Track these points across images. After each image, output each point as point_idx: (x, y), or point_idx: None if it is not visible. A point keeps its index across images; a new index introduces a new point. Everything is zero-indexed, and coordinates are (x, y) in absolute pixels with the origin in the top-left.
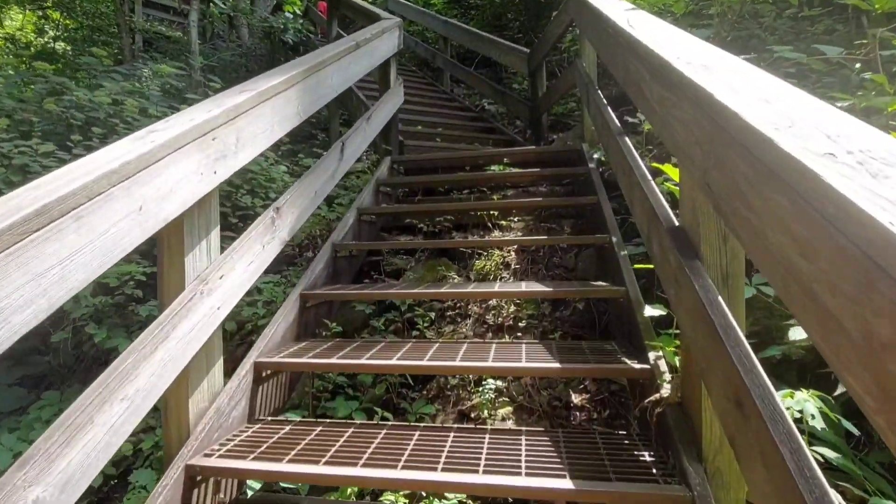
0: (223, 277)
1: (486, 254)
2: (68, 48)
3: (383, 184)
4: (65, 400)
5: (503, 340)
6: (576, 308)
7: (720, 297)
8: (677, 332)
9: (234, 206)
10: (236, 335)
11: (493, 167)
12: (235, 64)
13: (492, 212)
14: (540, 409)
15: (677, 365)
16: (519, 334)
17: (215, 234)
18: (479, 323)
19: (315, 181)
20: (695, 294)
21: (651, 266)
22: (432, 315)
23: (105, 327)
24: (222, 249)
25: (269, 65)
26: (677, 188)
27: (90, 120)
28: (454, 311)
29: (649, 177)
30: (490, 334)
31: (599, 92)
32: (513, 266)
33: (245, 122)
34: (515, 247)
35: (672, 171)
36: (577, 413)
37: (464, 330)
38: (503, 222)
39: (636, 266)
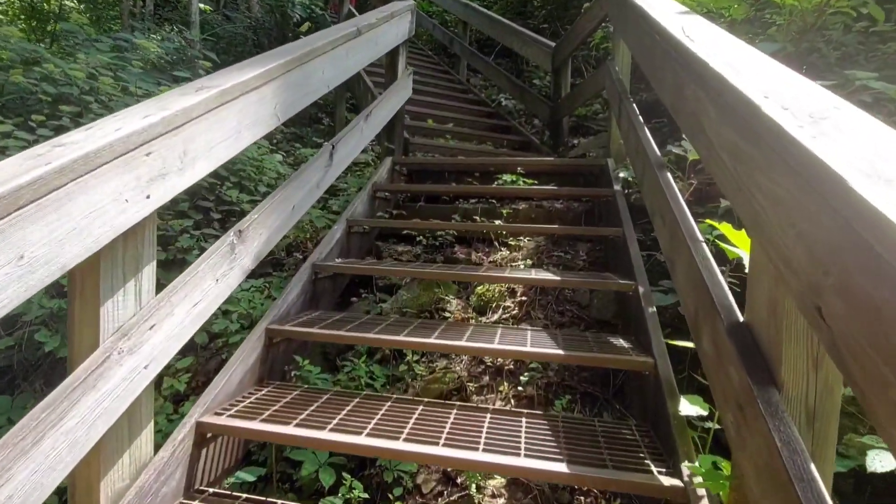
0: (154, 328)
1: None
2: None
3: (381, 189)
4: (15, 408)
5: (500, 409)
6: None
7: (805, 448)
8: (713, 423)
9: (218, 200)
10: (209, 345)
11: (505, 176)
12: (242, 37)
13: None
14: None
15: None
16: (520, 389)
17: (149, 271)
18: (474, 362)
19: (293, 194)
20: (769, 441)
21: (689, 345)
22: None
23: (60, 334)
24: (162, 287)
25: (279, 41)
26: (728, 246)
27: (62, 96)
28: None
29: (701, 238)
30: (486, 378)
31: (634, 106)
32: (519, 295)
33: (198, 129)
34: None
35: (736, 237)
36: None
37: (457, 369)
38: (512, 241)
39: (671, 342)
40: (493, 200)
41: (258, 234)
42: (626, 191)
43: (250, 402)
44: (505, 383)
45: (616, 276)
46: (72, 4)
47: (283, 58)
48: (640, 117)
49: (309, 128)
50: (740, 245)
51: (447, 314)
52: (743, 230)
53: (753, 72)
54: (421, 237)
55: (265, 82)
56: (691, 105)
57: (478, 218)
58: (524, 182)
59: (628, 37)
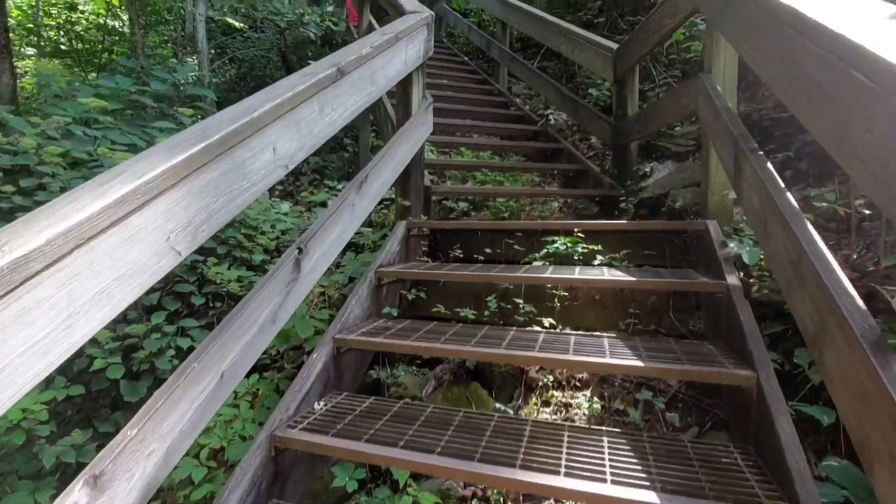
0: None
1: (536, 382)
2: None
3: (388, 274)
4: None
5: None
6: None
7: None
8: None
9: (202, 280)
10: None
11: (558, 241)
12: (265, 59)
13: (546, 320)
14: None
15: None
16: None
17: None
18: None
19: (232, 344)
20: None
21: None
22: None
23: None
24: None
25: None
26: None
27: (16, 168)
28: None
29: None
30: None
31: (760, 155)
32: (580, 417)
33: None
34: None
35: None
36: None
37: None
38: (565, 331)
39: None
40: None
41: (164, 445)
42: (742, 271)
43: None
44: None
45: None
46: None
47: (184, 150)
48: (775, 174)
49: (334, 154)
50: None
51: None
52: None
53: None
54: (447, 310)
55: (143, 203)
56: None
57: (520, 302)
58: (582, 247)
59: (742, 38)
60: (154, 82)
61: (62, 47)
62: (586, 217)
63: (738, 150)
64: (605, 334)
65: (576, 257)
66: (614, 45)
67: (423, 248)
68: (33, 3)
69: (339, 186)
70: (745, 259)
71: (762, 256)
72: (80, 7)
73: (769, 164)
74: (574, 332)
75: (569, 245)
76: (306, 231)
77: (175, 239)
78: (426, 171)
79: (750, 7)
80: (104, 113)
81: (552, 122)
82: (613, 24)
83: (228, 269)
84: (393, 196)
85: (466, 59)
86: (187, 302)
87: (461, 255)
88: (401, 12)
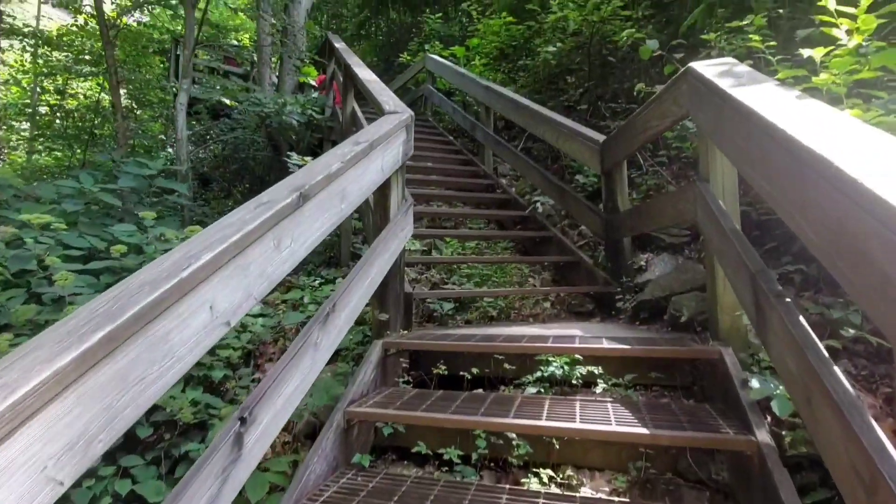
0: None
1: None
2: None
3: (358, 416)
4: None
5: None
6: None
7: None
8: None
9: None
10: None
11: (552, 363)
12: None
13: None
14: None
15: None
16: None
17: None
18: None
19: None
20: None
21: None
22: None
23: None
24: None
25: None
26: None
27: None
28: None
29: None
30: None
31: (787, 299)
32: None
33: None
34: None
35: None
36: None
37: None
38: (567, 475)
39: None
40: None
41: None
42: (774, 422)
43: None
44: None
45: None
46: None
47: (79, 342)
48: (812, 335)
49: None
50: None
51: None
52: None
53: None
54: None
55: (6, 435)
56: None
57: (513, 438)
58: (580, 369)
59: (734, 150)
60: (123, 177)
61: (56, 124)
62: (581, 315)
63: (757, 290)
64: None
65: (574, 380)
66: (600, 137)
67: (404, 364)
68: (32, 83)
69: (315, 281)
70: (776, 410)
71: (808, 438)
72: (75, 85)
73: (802, 319)
74: (581, 496)
75: (566, 367)
76: (252, 392)
77: (55, 467)
78: (406, 275)
79: (742, 127)
80: (60, 216)
81: (539, 209)
82: (595, 111)
83: (183, 391)
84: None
85: (451, 138)
86: (129, 433)
87: (446, 372)
88: (381, 110)
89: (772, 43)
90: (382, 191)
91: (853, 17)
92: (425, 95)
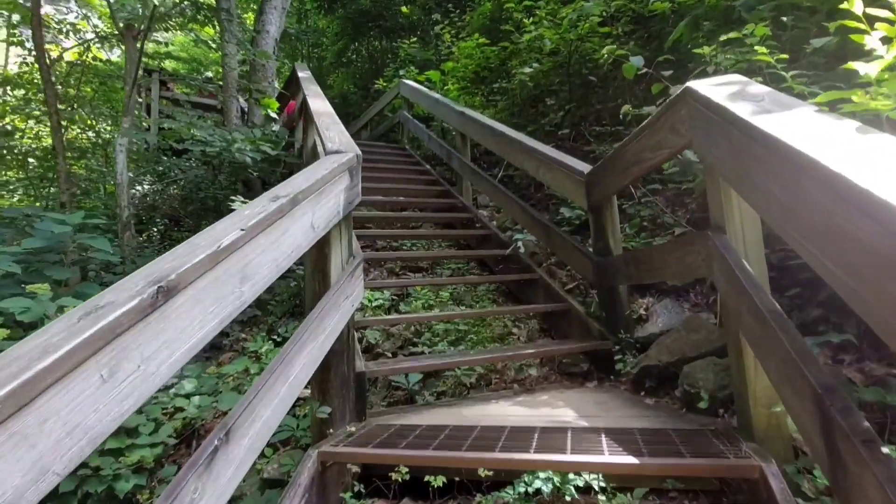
0: None
1: None
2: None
3: None
4: None
5: None
6: None
7: None
8: None
9: None
10: None
11: (542, 477)
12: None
13: None
14: None
15: None
16: None
17: None
18: None
19: None
20: None
21: None
22: None
23: None
24: None
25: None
26: None
27: None
28: None
29: None
30: None
31: (861, 417)
32: None
33: None
34: None
35: None
36: None
37: None
38: None
39: None
40: None
41: None
42: None
43: None
44: None
45: None
46: None
47: None
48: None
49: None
50: None
51: None
52: None
53: None
54: None
55: None
56: None
57: None
58: (577, 481)
59: (767, 202)
60: (35, 234)
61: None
62: (574, 378)
63: (829, 422)
64: None
65: (568, 497)
66: (585, 168)
67: (354, 469)
68: None
69: (264, 346)
70: None
71: None
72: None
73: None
74: None
75: (557, 480)
76: None
77: None
78: (363, 338)
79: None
80: None
81: (521, 249)
82: (577, 133)
83: None
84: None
85: (428, 167)
86: None
87: (408, 476)
88: (323, 149)
89: (783, 56)
90: (320, 250)
91: (890, 22)
92: (401, 122)
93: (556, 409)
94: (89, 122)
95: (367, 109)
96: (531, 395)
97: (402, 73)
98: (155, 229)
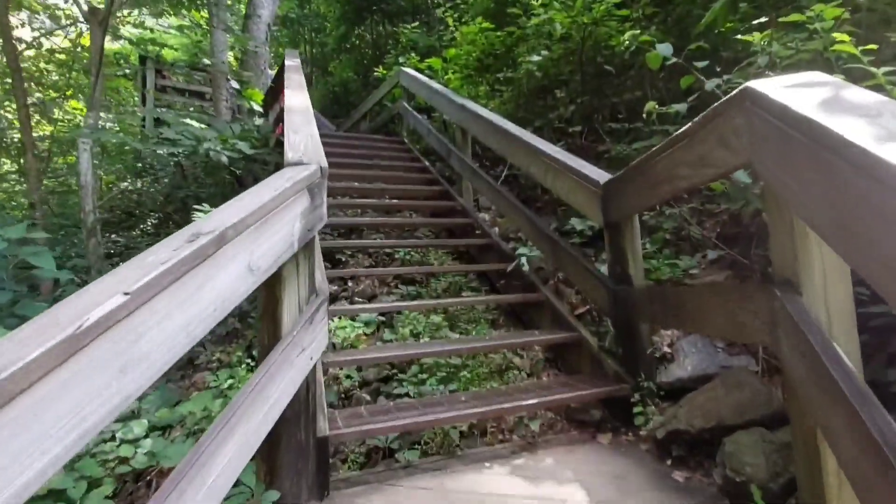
0: None
1: None
2: None
3: None
4: None
5: None
6: None
7: None
8: None
9: None
10: None
11: None
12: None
13: None
14: None
15: None
16: None
17: None
18: None
19: None
20: None
21: None
22: None
23: None
24: None
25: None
26: None
27: None
28: None
29: None
30: None
31: None
32: None
33: None
34: None
35: None
36: None
37: None
38: None
39: None
40: None
41: None
42: None
43: None
44: None
45: None
46: None
47: None
48: None
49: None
50: None
51: None
52: None
53: None
54: None
55: None
56: None
57: None
58: None
59: (871, 254)
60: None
61: None
62: (585, 428)
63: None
64: None
65: None
66: (602, 176)
67: None
68: None
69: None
70: None
71: None
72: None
73: None
74: None
75: None
76: None
77: None
78: (334, 384)
79: None
80: None
81: (525, 267)
82: (590, 128)
83: None
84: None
85: (427, 163)
86: None
87: None
88: (286, 164)
89: (871, 46)
90: (270, 291)
91: None
92: (400, 113)
93: (563, 487)
94: (62, 113)
95: (366, 98)
96: (533, 457)
97: (402, 60)
98: (144, 225)
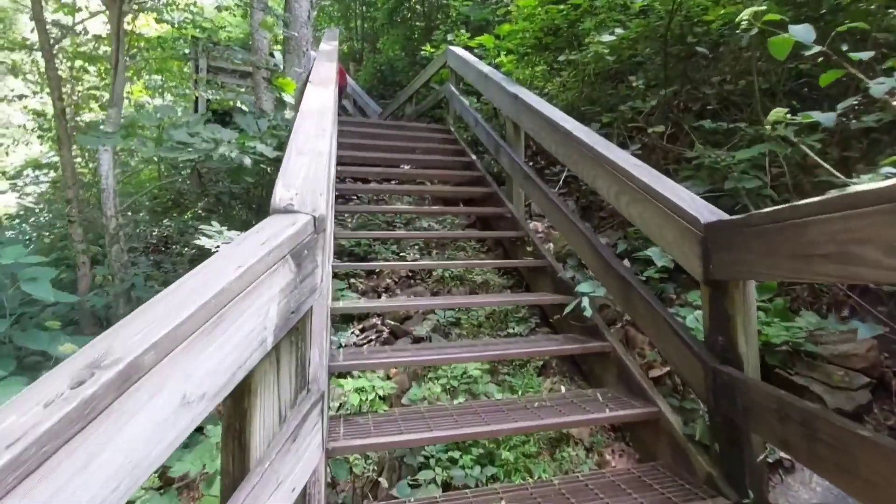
0: None
1: None
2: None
3: None
4: None
5: None
6: None
7: None
8: None
9: None
10: None
11: None
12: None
13: None
14: None
15: None
16: None
17: None
18: None
19: None
20: None
21: None
22: None
23: None
24: None
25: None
26: None
27: None
28: None
29: None
30: None
31: None
32: None
33: None
34: None
35: None
36: None
37: None
38: None
39: None
40: None
41: None
42: None
43: None
44: None
45: None
46: None
47: None
48: None
49: None
50: None
51: None
52: None
53: None
54: None
55: None
56: None
57: None
58: None
59: None
60: None
61: None
62: None
63: None
64: None
65: None
66: (705, 214)
67: None
68: None
69: None
70: None
71: None
72: None
73: None
74: None
75: None
76: None
77: None
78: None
79: None
80: None
81: (588, 312)
82: (677, 130)
83: None
84: None
85: (473, 157)
86: None
87: None
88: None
89: None
90: (235, 403)
91: None
92: (447, 98)
93: None
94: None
95: (412, 80)
96: None
97: (450, 38)
98: (192, 212)
